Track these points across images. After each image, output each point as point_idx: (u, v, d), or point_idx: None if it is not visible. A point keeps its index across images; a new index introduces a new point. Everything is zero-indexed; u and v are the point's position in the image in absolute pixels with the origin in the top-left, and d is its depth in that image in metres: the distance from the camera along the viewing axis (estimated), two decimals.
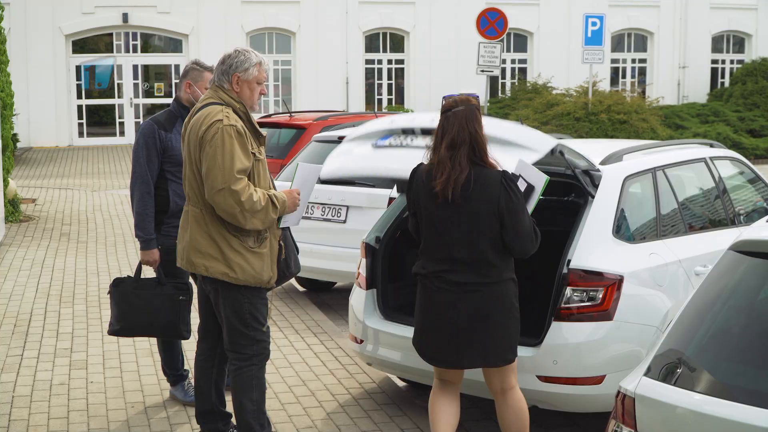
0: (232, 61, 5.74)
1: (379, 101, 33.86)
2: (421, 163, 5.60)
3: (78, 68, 30.67)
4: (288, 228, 5.90)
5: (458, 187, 5.32)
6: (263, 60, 5.82)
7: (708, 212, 7.25)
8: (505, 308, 5.41)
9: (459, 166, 5.33)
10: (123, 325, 6.64)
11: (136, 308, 6.57)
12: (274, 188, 5.82)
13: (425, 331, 5.54)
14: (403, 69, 34.00)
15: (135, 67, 31.37)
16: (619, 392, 3.90)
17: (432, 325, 5.49)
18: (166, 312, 6.55)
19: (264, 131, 5.84)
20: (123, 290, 6.62)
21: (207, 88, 6.53)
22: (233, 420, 6.08)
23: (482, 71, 22.25)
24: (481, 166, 5.38)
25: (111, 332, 6.73)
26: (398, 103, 33.62)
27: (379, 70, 33.86)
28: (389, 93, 34.07)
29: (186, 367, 7.18)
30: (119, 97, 31.24)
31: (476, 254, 5.37)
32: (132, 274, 6.79)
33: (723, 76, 37.55)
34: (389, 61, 33.91)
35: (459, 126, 5.40)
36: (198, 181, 5.60)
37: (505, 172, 5.38)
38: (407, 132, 6.20)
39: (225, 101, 5.68)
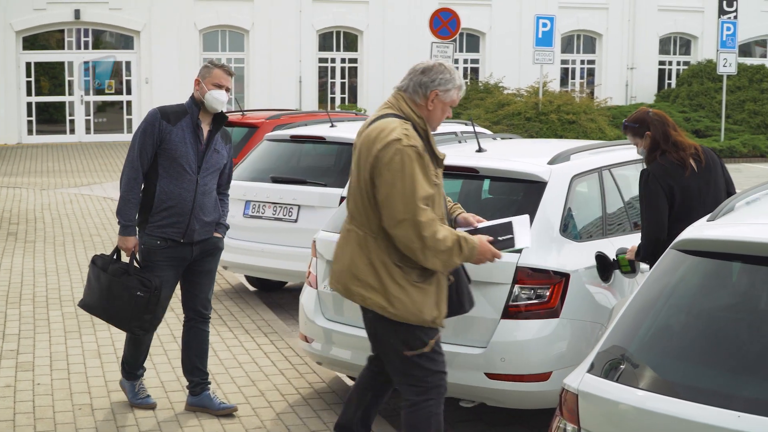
0: (436, 76, 5.21)
1: (332, 100, 33.85)
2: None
3: (28, 65, 30.37)
4: None
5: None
6: (463, 85, 5.38)
7: None
8: None
9: None
10: (87, 302, 6.64)
11: (97, 289, 6.52)
12: (448, 219, 5.41)
13: None
14: (356, 68, 34.02)
15: (86, 64, 31.08)
16: (562, 389, 3.94)
17: None
18: (122, 303, 6.42)
19: (442, 153, 5.33)
20: (96, 268, 6.55)
21: (215, 84, 6.46)
22: None
23: None
24: None
25: (79, 304, 6.73)
26: (351, 102, 33.63)
27: (333, 69, 33.85)
28: (342, 92, 34.07)
29: (145, 366, 7.04)
30: (70, 94, 30.96)
31: None
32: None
33: (670, 78, 37.96)
34: (342, 60, 33.91)
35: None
36: (367, 202, 5.11)
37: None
38: None
39: (405, 113, 5.20)
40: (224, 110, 6.60)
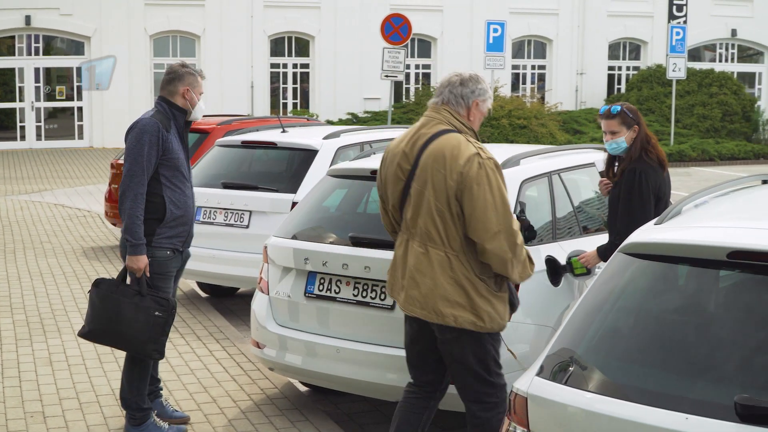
0: (475, 87, 5.37)
1: (284, 105, 33.80)
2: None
3: None
4: None
5: None
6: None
7: (602, 215, 7.41)
8: None
9: None
10: (91, 328, 6.28)
11: (108, 313, 6.20)
12: None
13: None
14: (308, 73, 33.98)
15: (37, 70, 30.83)
16: (512, 392, 3.97)
17: None
18: (138, 325, 6.15)
19: None
20: (102, 291, 6.24)
21: (200, 94, 6.37)
22: None
23: (387, 76, 22.36)
24: None
25: (80, 334, 6.37)
26: (303, 108, 33.61)
27: (285, 74, 33.79)
28: (294, 97, 34.02)
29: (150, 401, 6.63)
30: (20, 100, 30.64)
31: None
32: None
33: (619, 83, 38.26)
34: (294, 66, 33.85)
35: None
36: (449, 221, 5.16)
37: None
38: None
39: (456, 127, 5.31)
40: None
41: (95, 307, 6.27)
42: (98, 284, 6.32)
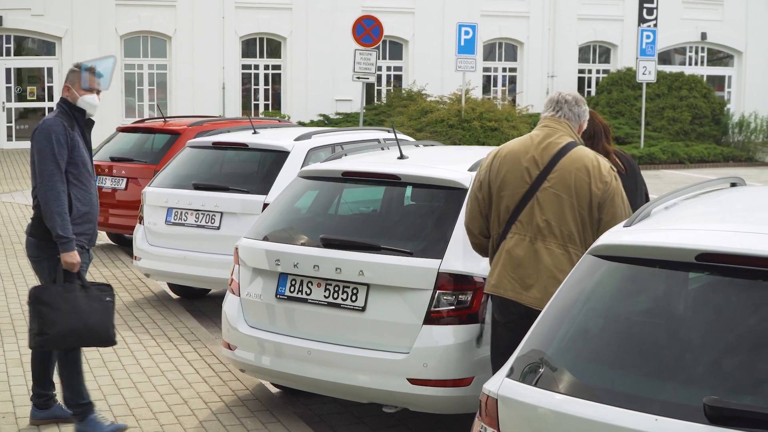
0: (584, 107, 5.90)
1: (256, 107, 33.72)
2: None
3: None
4: None
5: None
6: None
7: None
8: None
9: None
10: (54, 333, 6.23)
11: (67, 313, 6.23)
12: None
13: None
14: (280, 75, 33.92)
15: (8, 70, 30.62)
16: (482, 393, 3.98)
17: None
18: (98, 315, 6.32)
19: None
20: (51, 296, 6.26)
21: (85, 89, 6.47)
22: None
23: (358, 78, 22.34)
24: None
25: (37, 344, 6.32)
26: (275, 109, 33.55)
27: (256, 76, 33.71)
28: (266, 98, 33.95)
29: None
30: None
31: None
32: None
33: (590, 86, 38.40)
34: (266, 67, 33.78)
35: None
36: (588, 224, 5.54)
37: None
38: None
39: (576, 142, 5.75)
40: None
41: (42, 314, 6.25)
42: (39, 292, 6.34)
